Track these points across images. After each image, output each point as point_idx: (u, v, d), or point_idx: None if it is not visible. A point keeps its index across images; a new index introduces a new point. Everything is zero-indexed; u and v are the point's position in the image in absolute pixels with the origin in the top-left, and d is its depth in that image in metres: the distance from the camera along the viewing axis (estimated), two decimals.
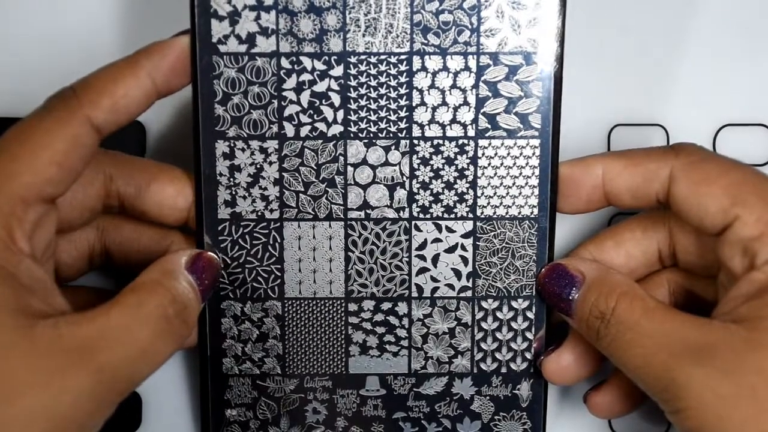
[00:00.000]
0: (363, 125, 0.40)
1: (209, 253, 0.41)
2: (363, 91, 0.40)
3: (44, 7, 0.45)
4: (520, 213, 0.41)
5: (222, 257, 0.41)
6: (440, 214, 0.41)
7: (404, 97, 0.40)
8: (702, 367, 0.35)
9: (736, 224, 0.37)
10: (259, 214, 0.41)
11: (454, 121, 0.41)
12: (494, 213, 0.41)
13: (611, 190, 0.40)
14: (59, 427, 0.33)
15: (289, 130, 0.40)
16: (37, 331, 0.33)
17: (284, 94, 0.40)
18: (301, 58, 0.40)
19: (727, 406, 0.34)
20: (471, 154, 0.41)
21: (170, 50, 0.38)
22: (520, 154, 0.41)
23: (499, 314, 0.42)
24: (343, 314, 0.42)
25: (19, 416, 0.32)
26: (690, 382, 0.35)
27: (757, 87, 0.46)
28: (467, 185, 0.41)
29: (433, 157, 0.41)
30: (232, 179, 0.41)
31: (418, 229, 0.42)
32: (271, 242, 0.41)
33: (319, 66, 0.40)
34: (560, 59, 0.40)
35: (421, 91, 0.40)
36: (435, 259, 0.42)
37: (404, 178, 0.41)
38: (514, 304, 0.42)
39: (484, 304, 0.42)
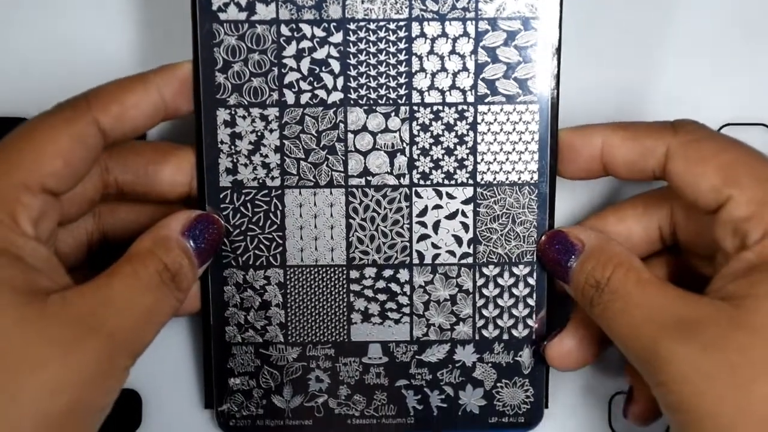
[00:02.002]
0: (363, 92, 0.41)
1: (208, 213, 0.41)
2: (362, 57, 0.40)
3: (45, 6, 0.45)
4: (520, 179, 0.42)
5: (225, 226, 0.42)
6: (440, 181, 0.42)
7: (403, 64, 0.41)
8: (686, 341, 0.35)
9: (729, 204, 0.37)
10: (261, 181, 0.41)
11: (453, 87, 0.41)
12: (494, 179, 0.42)
13: (609, 161, 0.40)
14: (84, 393, 0.34)
15: (290, 97, 0.41)
16: (48, 305, 0.34)
17: (284, 61, 0.40)
18: (301, 25, 0.40)
19: (705, 382, 0.35)
20: (470, 119, 0.41)
21: (180, 71, 0.40)
22: (520, 119, 0.41)
23: (500, 281, 0.43)
24: (344, 282, 0.42)
25: (44, 387, 0.33)
26: (672, 356, 0.35)
27: (757, 87, 0.46)
28: (467, 151, 0.41)
29: (433, 123, 0.41)
30: (233, 147, 0.41)
31: (418, 195, 0.42)
32: (272, 210, 0.42)
33: (319, 33, 0.40)
34: (559, 24, 0.40)
35: (420, 58, 0.41)
36: (436, 226, 0.42)
37: (404, 145, 0.41)
38: (515, 270, 0.42)
39: (485, 270, 0.42)
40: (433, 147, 0.41)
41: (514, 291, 0.43)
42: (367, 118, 0.41)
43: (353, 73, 0.41)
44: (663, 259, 0.43)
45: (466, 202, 0.42)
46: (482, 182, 0.42)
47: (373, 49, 0.40)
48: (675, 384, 0.35)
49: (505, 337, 0.43)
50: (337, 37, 0.40)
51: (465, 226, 0.42)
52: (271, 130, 0.41)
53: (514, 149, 0.41)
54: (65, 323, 0.34)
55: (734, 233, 0.38)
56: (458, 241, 0.42)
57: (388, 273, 0.42)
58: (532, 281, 0.43)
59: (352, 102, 0.41)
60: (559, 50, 0.40)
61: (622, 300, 0.38)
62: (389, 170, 0.41)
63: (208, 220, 0.41)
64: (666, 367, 0.35)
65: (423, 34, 0.40)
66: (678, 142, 0.39)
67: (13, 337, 0.33)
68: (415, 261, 0.42)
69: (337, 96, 0.41)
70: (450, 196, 0.42)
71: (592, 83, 0.44)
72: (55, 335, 0.34)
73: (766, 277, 0.36)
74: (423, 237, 0.42)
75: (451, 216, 0.42)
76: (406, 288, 0.43)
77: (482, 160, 0.41)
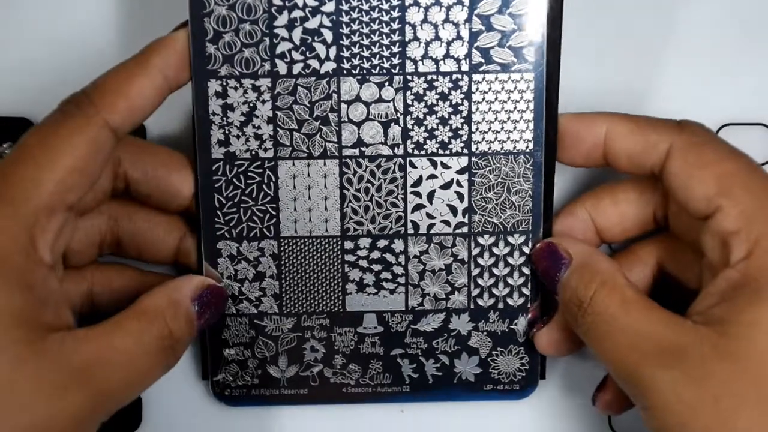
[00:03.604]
0: (356, 62, 0.40)
1: (218, 285, 0.42)
2: (355, 27, 0.40)
3: (45, 5, 0.45)
4: (515, 148, 0.41)
5: (217, 197, 0.41)
6: (435, 150, 0.41)
7: (397, 33, 0.40)
8: (669, 370, 0.35)
9: (718, 215, 0.37)
10: (253, 153, 0.41)
11: (447, 56, 0.40)
12: (489, 148, 0.41)
13: (611, 151, 0.40)
14: None
15: (282, 67, 0.40)
16: (47, 347, 0.34)
17: (276, 31, 0.40)
18: None
19: (689, 413, 0.35)
20: (465, 89, 0.41)
21: (177, 44, 0.39)
22: (515, 88, 0.41)
23: (495, 250, 0.42)
24: (339, 252, 0.42)
25: (19, 429, 0.33)
26: (656, 383, 0.35)
27: (757, 87, 0.46)
28: (462, 121, 0.41)
29: (427, 92, 0.41)
30: (225, 118, 0.41)
31: (413, 165, 0.41)
32: (265, 181, 0.41)
33: (311, 2, 0.39)
34: None
35: (413, 26, 0.40)
36: (430, 196, 0.42)
37: (398, 115, 0.41)
38: (510, 239, 0.42)
39: (480, 240, 0.42)
40: (428, 117, 0.41)
41: (509, 260, 0.43)
42: (360, 88, 0.40)
43: (346, 42, 0.40)
44: (645, 249, 0.43)
45: (460, 171, 0.41)
46: (477, 152, 0.41)
47: (365, 18, 0.40)
48: (659, 411, 0.35)
49: (501, 306, 0.43)
50: (330, 6, 0.40)
51: (460, 196, 0.42)
52: (264, 101, 0.40)
53: (509, 118, 0.41)
54: (57, 370, 0.34)
55: (720, 245, 0.37)
56: (453, 210, 0.42)
57: (382, 243, 0.42)
58: (527, 250, 0.42)
59: (345, 72, 0.40)
60: (555, 16, 0.40)
61: (605, 323, 0.38)
62: (383, 140, 0.41)
63: (214, 290, 0.41)
64: (650, 394, 0.36)
65: (416, 3, 0.40)
66: (681, 142, 0.38)
67: (4, 375, 0.33)
68: (410, 231, 0.42)
69: (329, 66, 0.40)
70: (445, 166, 0.41)
71: (592, 83, 0.44)
72: (45, 380, 0.34)
73: (748, 302, 0.35)
74: (418, 207, 0.42)
75: (446, 186, 0.42)
76: (401, 258, 0.42)
77: (477, 129, 0.41)
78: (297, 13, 0.40)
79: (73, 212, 0.37)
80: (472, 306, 0.43)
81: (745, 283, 0.36)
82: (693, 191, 0.38)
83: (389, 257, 0.42)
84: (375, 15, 0.40)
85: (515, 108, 0.41)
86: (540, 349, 0.43)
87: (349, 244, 0.42)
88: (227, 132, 0.41)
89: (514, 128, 0.41)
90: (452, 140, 0.41)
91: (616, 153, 0.40)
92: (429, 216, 0.42)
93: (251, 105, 0.40)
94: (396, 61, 0.40)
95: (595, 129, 0.40)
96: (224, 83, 0.40)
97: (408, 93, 0.41)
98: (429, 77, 0.40)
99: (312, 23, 0.40)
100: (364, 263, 0.42)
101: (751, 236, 0.36)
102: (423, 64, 0.40)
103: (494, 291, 0.43)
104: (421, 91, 0.41)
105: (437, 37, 0.40)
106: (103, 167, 0.37)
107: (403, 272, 0.43)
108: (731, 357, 0.35)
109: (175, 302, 0.39)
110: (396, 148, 0.41)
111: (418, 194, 0.42)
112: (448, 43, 0.40)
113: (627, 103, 0.42)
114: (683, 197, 0.38)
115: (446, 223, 0.42)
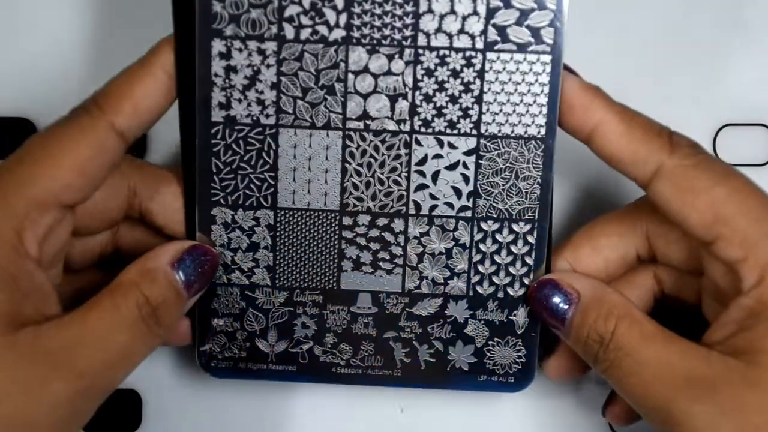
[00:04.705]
0: (366, 31, 0.39)
1: (201, 245, 0.40)
2: None
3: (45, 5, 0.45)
4: (526, 132, 0.40)
5: (215, 162, 0.40)
6: (443, 129, 0.40)
7: (411, 3, 0.38)
8: (701, 403, 0.35)
9: (720, 243, 0.36)
10: (255, 118, 0.40)
11: (462, 31, 0.39)
12: (499, 131, 0.40)
13: (597, 146, 0.38)
14: None
15: (289, 31, 0.39)
16: (20, 338, 0.33)
17: None
18: None
19: None
20: (478, 67, 0.39)
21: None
22: (530, 69, 0.39)
23: (498, 237, 0.41)
24: (336, 228, 0.41)
25: None
26: (689, 418, 0.35)
27: (757, 87, 0.45)
28: (472, 100, 0.39)
29: (438, 68, 0.39)
30: (227, 81, 0.39)
31: (418, 143, 0.40)
32: (265, 149, 0.40)
33: None
34: None
35: None
36: (435, 176, 0.40)
37: (407, 89, 0.39)
38: (515, 227, 0.41)
39: (483, 225, 0.41)
40: (437, 93, 0.39)
41: (513, 248, 0.41)
42: (369, 58, 0.39)
43: (357, 10, 0.38)
44: (644, 272, 0.42)
45: (468, 153, 0.40)
46: (486, 134, 0.40)
47: None
48: None
49: (500, 295, 0.42)
50: None
51: (465, 178, 0.40)
52: (268, 66, 0.39)
53: (521, 101, 0.39)
54: (33, 360, 0.33)
55: (728, 273, 0.37)
56: (457, 193, 0.40)
57: (382, 222, 0.41)
58: (531, 239, 0.41)
59: (354, 41, 0.39)
60: None
61: (629, 357, 0.37)
62: (389, 115, 0.40)
63: (200, 251, 0.40)
64: (685, 428, 0.35)
65: None
66: (672, 164, 0.37)
67: None
68: (411, 211, 0.41)
69: (339, 33, 0.39)
70: (452, 146, 0.40)
71: (591, 82, 0.42)
72: (21, 372, 0.33)
73: None
74: (421, 186, 0.40)
75: (452, 167, 0.40)
76: (401, 238, 0.41)
77: (488, 110, 0.39)
78: None
79: (70, 211, 0.36)
80: (470, 293, 0.42)
81: (761, 310, 0.35)
82: (688, 220, 0.36)
83: (388, 236, 0.41)
84: None
85: (529, 91, 0.39)
86: (549, 376, 0.42)
87: (347, 220, 0.41)
88: (229, 95, 0.39)
89: (527, 112, 0.39)
90: (461, 120, 0.39)
91: (600, 150, 0.38)
92: (432, 197, 0.40)
93: (255, 69, 0.39)
94: (408, 33, 0.39)
95: (589, 115, 0.38)
96: (229, 44, 0.39)
97: (418, 67, 0.39)
98: (441, 52, 0.39)
99: None
100: (361, 241, 0.41)
101: (759, 261, 0.35)
102: (436, 38, 0.39)
103: (495, 279, 0.41)
104: (432, 67, 0.39)
105: (452, 11, 0.38)
106: (107, 171, 0.37)
107: (402, 253, 0.41)
108: (763, 386, 0.34)
109: (150, 270, 0.38)
110: (402, 124, 0.40)
111: (422, 173, 0.40)
112: (464, 18, 0.38)
113: (626, 103, 0.40)
114: (678, 220, 0.37)
115: (449, 205, 0.41)
